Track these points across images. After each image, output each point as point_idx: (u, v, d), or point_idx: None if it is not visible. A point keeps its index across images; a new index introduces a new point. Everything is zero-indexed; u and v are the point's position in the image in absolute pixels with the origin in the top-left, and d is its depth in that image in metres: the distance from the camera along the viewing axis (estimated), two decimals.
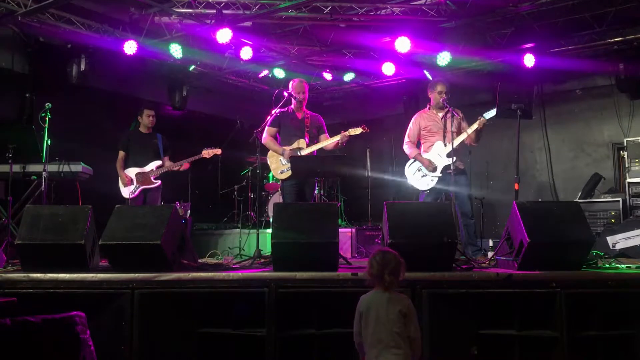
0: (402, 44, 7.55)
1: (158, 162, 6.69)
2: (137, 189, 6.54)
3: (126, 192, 6.54)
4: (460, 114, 5.94)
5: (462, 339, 3.66)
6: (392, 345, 2.81)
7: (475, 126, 5.73)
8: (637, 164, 7.48)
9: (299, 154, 5.80)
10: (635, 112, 8.55)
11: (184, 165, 6.73)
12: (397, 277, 2.97)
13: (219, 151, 6.75)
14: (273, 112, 5.86)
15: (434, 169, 5.83)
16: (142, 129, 6.79)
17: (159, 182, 6.65)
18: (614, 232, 5.94)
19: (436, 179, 5.82)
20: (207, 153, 6.70)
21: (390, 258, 2.99)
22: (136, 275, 3.85)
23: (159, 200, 6.72)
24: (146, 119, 6.76)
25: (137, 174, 6.58)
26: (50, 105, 5.72)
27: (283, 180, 5.91)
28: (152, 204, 6.50)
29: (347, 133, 5.78)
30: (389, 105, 10.40)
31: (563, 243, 3.91)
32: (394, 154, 9.86)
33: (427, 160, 5.87)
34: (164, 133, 6.83)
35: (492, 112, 5.65)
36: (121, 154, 6.65)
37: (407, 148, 6.10)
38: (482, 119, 5.68)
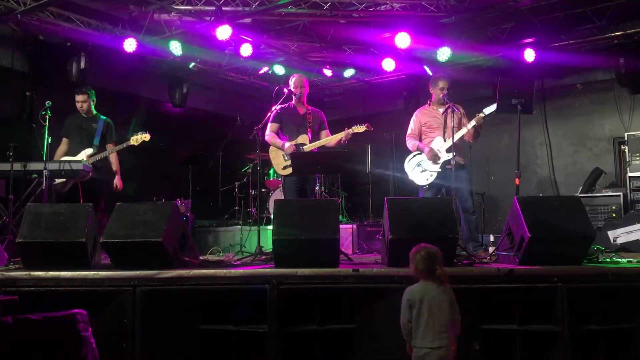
0: (402, 40, 7.54)
1: (89, 151, 6.11)
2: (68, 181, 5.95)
3: (59, 184, 5.97)
4: (461, 110, 5.94)
5: (463, 334, 3.66)
6: (444, 330, 3.11)
7: (473, 122, 5.72)
8: (638, 158, 7.47)
9: (301, 149, 5.80)
10: (635, 106, 8.54)
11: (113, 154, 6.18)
12: (443, 268, 3.23)
13: (147, 137, 6.19)
14: (273, 108, 5.87)
15: (436, 158, 5.80)
16: (83, 113, 6.31)
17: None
18: (614, 227, 5.96)
19: (435, 174, 5.81)
20: (135, 140, 6.17)
21: (435, 252, 3.24)
22: (137, 272, 3.86)
23: (99, 196, 6.03)
24: (77, 105, 6.25)
25: None
26: (50, 103, 5.72)
27: (285, 176, 5.91)
28: (85, 200, 5.66)
29: (350, 130, 5.78)
30: (389, 101, 10.39)
31: (564, 238, 3.90)
32: (394, 150, 9.85)
33: (429, 149, 5.84)
34: (165, 130, 6.77)
35: (491, 108, 5.65)
36: (63, 141, 6.24)
37: (409, 142, 6.09)
38: (479, 115, 5.68)
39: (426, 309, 3.12)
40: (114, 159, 6.29)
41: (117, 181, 6.32)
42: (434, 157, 5.81)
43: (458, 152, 5.73)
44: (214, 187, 9.13)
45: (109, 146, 6.24)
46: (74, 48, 7.82)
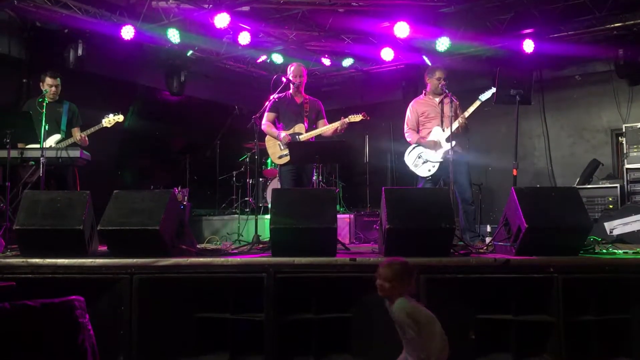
0: (401, 29, 7.51)
1: (57, 137, 5.94)
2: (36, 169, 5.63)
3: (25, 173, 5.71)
4: (457, 101, 5.92)
5: (459, 324, 3.68)
6: None
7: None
8: (636, 150, 7.48)
9: (297, 138, 5.80)
10: (634, 98, 8.55)
11: (83, 139, 5.94)
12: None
13: (120, 118, 6.00)
14: (271, 97, 5.85)
15: (438, 146, 5.78)
16: (50, 97, 5.98)
17: None
18: (611, 218, 5.99)
19: (437, 165, 5.80)
20: (107, 122, 5.96)
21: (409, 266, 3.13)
22: (135, 260, 3.86)
23: (71, 182, 5.87)
24: (46, 88, 5.95)
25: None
26: (47, 90, 5.69)
27: (281, 166, 5.92)
28: (60, 188, 5.62)
29: (346, 120, 5.77)
30: (388, 91, 10.37)
31: (561, 228, 3.91)
32: (392, 140, 9.86)
33: (432, 142, 5.83)
34: (162, 119, 6.72)
35: (487, 94, 5.65)
36: None
37: (408, 136, 6.07)
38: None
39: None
40: (83, 142, 6.01)
41: (81, 139, 5.97)
42: (438, 146, 5.78)
43: (457, 142, 5.73)
44: (212, 176, 9.13)
45: (75, 131, 6.04)
46: (71, 35, 7.77)
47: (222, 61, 9.71)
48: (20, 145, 5.70)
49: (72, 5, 7.39)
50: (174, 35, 7.95)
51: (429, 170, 5.85)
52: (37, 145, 5.60)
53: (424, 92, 6.17)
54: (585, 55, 8.42)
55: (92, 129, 6.00)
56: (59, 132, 6.01)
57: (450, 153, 5.51)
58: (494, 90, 5.54)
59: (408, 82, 9.89)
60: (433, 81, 6.00)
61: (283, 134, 5.80)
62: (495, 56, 8.88)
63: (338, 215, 4.56)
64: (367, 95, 10.71)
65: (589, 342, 3.71)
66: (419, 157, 5.93)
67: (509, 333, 3.74)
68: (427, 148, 5.87)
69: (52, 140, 5.94)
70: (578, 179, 8.07)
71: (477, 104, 5.73)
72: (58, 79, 6.10)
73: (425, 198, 4.22)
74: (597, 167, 8.16)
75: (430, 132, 5.91)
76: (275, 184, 8.05)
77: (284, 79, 5.85)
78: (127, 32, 7.55)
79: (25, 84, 7.67)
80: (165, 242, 4.01)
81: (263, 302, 3.73)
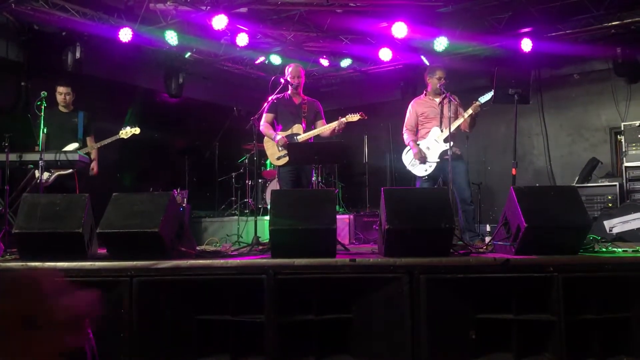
0: (399, 29, 7.51)
1: (75, 145, 6.12)
2: (51, 175, 5.90)
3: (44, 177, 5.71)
4: (457, 100, 5.93)
5: (459, 324, 3.68)
6: None
7: (470, 111, 5.72)
8: (634, 148, 7.49)
9: (295, 139, 5.79)
10: (632, 96, 8.55)
11: (98, 150, 6.20)
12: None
13: (137, 131, 6.26)
14: (270, 98, 5.85)
15: (423, 160, 5.82)
16: (61, 108, 6.25)
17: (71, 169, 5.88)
18: (610, 217, 5.99)
19: (434, 165, 5.82)
20: (124, 133, 6.21)
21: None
22: (134, 263, 3.85)
23: (77, 189, 5.93)
24: (58, 97, 6.17)
25: None
26: (45, 93, 5.67)
27: (279, 167, 5.92)
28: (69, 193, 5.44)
29: (344, 119, 5.77)
30: (386, 91, 10.38)
31: (560, 227, 3.91)
32: (391, 140, 9.87)
33: (417, 150, 5.86)
34: (161, 121, 6.74)
35: (487, 97, 5.65)
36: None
37: (405, 136, 6.09)
38: (476, 103, 5.68)
39: None
40: (94, 150, 6.25)
41: (94, 165, 6.27)
42: (422, 159, 5.83)
43: (455, 143, 5.73)
44: (211, 178, 9.13)
45: (90, 140, 6.23)
46: (69, 38, 7.78)
47: (221, 63, 9.71)
48: (36, 148, 5.80)
49: (69, 8, 7.39)
50: (172, 37, 7.95)
51: (426, 170, 5.87)
52: (54, 149, 5.73)
53: (424, 92, 6.17)
54: (583, 54, 8.43)
55: (109, 140, 6.18)
56: (76, 141, 6.14)
57: (449, 153, 5.52)
58: (492, 92, 5.54)
59: (406, 82, 9.91)
60: (433, 81, 6.00)
61: (279, 136, 5.80)
62: (494, 55, 8.90)
63: (337, 216, 4.56)
64: (366, 95, 10.71)
65: (589, 341, 3.71)
66: None
67: (509, 333, 3.74)
68: (412, 153, 5.89)
69: (70, 149, 6.03)
70: (577, 178, 8.07)
71: (476, 105, 5.73)
72: (69, 87, 6.24)
73: (425, 198, 4.21)
74: (596, 166, 8.17)
75: (429, 132, 5.92)
76: (274, 185, 8.05)
77: (282, 80, 5.86)
78: (125, 35, 7.55)
79: (24, 87, 7.66)
80: (164, 244, 4.00)
81: (263, 303, 3.72)
